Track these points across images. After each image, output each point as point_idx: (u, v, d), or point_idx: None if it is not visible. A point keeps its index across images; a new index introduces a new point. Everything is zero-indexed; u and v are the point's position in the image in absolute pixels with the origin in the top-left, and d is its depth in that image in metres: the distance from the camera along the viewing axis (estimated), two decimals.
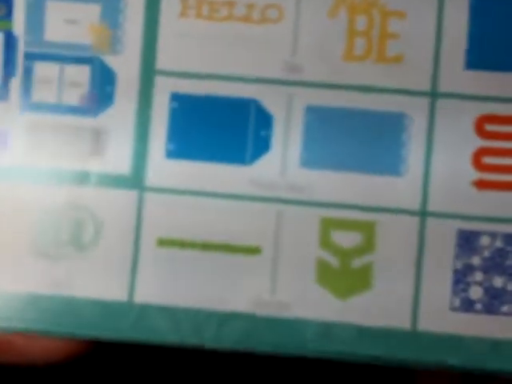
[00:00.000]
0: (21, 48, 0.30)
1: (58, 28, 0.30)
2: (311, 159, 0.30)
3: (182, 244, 0.30)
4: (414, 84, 0.30)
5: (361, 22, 0.30)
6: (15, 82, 0.30)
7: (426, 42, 0.29)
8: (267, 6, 0.30)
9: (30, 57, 0.30)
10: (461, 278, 0.29)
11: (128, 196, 0.30)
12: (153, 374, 0.39)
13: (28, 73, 0.30)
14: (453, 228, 0.29)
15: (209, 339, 0.30)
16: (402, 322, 0.29)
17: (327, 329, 0.30)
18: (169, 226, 0.30)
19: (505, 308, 0.29)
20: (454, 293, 0.29)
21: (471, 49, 0.29)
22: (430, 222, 0.30)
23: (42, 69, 0.30)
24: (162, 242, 0.30)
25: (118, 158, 0.30)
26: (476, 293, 0.29)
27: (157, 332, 0.30)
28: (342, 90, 0.30)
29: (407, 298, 0.29)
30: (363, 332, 0.29)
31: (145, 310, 0.30)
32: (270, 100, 0.30)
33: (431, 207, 0.30)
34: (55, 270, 0.30)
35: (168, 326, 0.30)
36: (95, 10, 0.30)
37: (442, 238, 0.30)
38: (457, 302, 0.29)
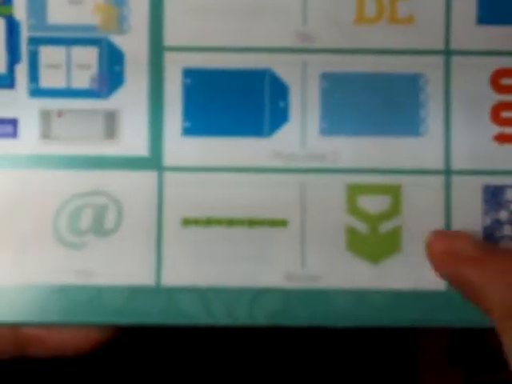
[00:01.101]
0: (24, 33, 0.29)
1: (62, 9, 0.29)
2: (330, 127, 0.29)
3: (208, 222, 0.29)
4: (427, 43, 0.29)
5: None
6: (21, 69, 0.29)
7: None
8: None
9: (35, 41, 0.29)
10: (491, 234, 0.29)
11: (147, 177, 0.29)
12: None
13: (33, 58, 0.29)
14: (478, 184, 0.29)
15: (241, 318, 0.29)
16: (435, 283, 0.29)
17: (361, 296, 0.29)
18: (192, 205, 0.29)
19: None
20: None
21: (482, 3, 0.29)
22: (455, 181, 0.29)
23: (47, 53, 0.29)
24: (187, 222, 0.29)
25: (133, 139, 0.29)
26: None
27: (187, 315, 0.29)
28: (355, 55, 0.29)
29: None
30: (397, 296, 0.29)
31: (173, 292, 0.29)
32: (285, 70, 0.29)
33: (455, 165, 0.29)
34: (79, 258, 0.29)
35: (198, 307, 0.29)
36: None
37: (469, 195, 0.29)
38: None
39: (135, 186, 0.29)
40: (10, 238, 0.29)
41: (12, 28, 0.29)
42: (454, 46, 0.29)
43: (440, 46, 0.29)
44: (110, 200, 0.29)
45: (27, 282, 0.29)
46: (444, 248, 0.28)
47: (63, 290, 0.29)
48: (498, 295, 0.26)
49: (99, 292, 0.29)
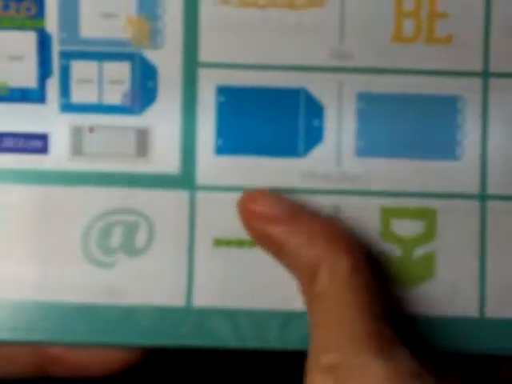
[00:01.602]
0: (55, 47, 0.28)
1: (94, 23, 0.28)
2: (366, 148, 0.29)
3: (239, 243, 0.29)
4: (465, 64, 0.29)
5: (409, 2, 0.29)
6: (52, 83, 0.28)
7: (476, 19, 0.29)
8: None
9: (66, 56, 0.28)
10: None
11: (179, 196, 0.29)
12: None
13: (65, 73, 0.28)
14: None
15: (272, 341, 0.29)
16: (469, 309, 0.29)
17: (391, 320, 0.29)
18: (224, 226, 0.29)
19: None
20: None
21: None
22: (491, 205, 0.29)
23: (79, 68, 0.28)
24: (218, 242, 0.29)
25: (165, 157, 0.29)
26: None
27: (217, 337, 0.28)
28: (392, 75, 0.29)
29: (473, 285, 0.29)
30: (430, 322, 0.29)
31: (204, 314, 0.29)
32: (320, 89, 0.29)
33: (490, 190, 0.29)
34: (108, 277, 0.28)
35: (228, 329, 0.28)
36: (132, 2, 0.28)
37: (504, 220, 0.29)
38: None
39: (167, 204, 0.29)
40: (38, 254, 0.28)
41: (43, 41, 0.28)
42: (492, 67, 0.29)
43: (478, 67, 0.29)
44: (141, 218, 0.29)
45: (54, 299, 0.28)
46: (254, 208, 0.27)
47: (91, 309, 0.28)
48: (303, 256, 0.26)
49: (128, 312, 0.28)
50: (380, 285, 0.26)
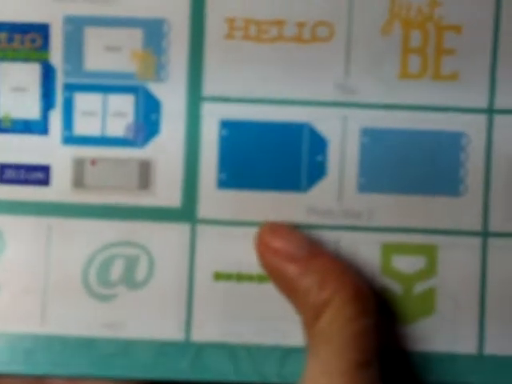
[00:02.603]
0: (60, 79, 0.28)
1: (99, 56, 0.28)
2: (368, 183, 0.29)
3: (239, 277, 0.29)
4: (470, 101, 0.29)
5: (415, 38, 0.29)
6: (55, 115, 0.28)
7: (483, 56, 0.29)
8: (318, 23, 0.28)
9: (70, 88, 0.28)
10: None
11: (180, 229, 0.29)
12: None
13: (68, 105, 0.28)
14: None
15: (271, 376, 0.29)
16: (468, 345, 0.29)
17: (392, 357, 0.29)
18: (224, 260, 0.29)
19: None
20: None
21: None
22: (492, 242, 0.29)
23: (83, 100, 0.28)
24: (218, 277, 0.29)
25: (167, 190, 0.29)
26: None
27: (216, 371, 0.29)
28: (397, 110, 0.29)
29: (472, 322, 0.29)
30: (428, 358, 0.29)
31: (203, 348, 0.29)
32: (324, 123, 0.29)
33: (492, 227, 0.29)
34: (108, 310, 0.28)
35: (227, 364, 0.29)
36: (137, 35, 0.28)
37: (506, 257, 0.29)
38: None
39: (168, 237, 0.29)
40: (38, 287, 0.28)
41: (48, 73, 0.28)
42: (497, 104, 0.29)
43: (484, 104, 0.29)
44: (142, 251, 0.29)
45: (54, 332, 0.28)
46: (272, 241, 0.27)
47: (91, 342, 0.28)
48: (311, 297, 0.26)
49: (128, 345, 0.28)
50: (380, 330, 0.26)
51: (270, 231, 0.28)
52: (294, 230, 0.28)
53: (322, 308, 0.26)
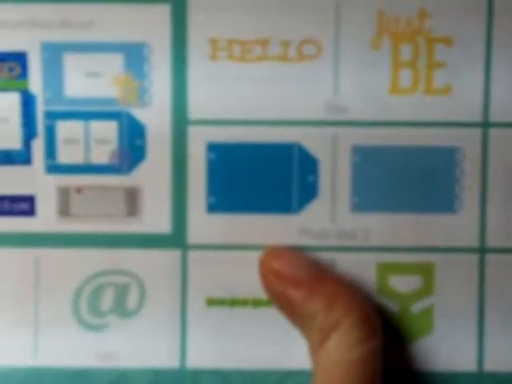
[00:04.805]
0: (40, 107, 0.27)
1: (79, 82, 0.27)
2: (362, 202, 0.28)
3: (232, 302, 0.28)
4: (464, 115, 0.28)
5: (406, 52, 0.28)
6: (37, 144, 0.28)
7: (476, 68, 0.28)
8: (304, 41, 0.27)
9: (51, 116, 0.27)
10: None
11: (171, 256, 0.28)
12: None
13: (50, 133, 0.28)
14: None
15: None
16: (468, 363, 0.28)
17: (391, 377, 0.28)
18: (217, 285, 0.28)
19: None
20: None
21: None
22: (490, 258, 0.28)
23: (65, 128, 0.28)
24: (211, 302, 0.28)
25: (156, 216, 0.28)
26: None
27: None
28: (388, 127, 0.28)
29: (471, 339, 0.28)
30: (428, 376, 0.28)
31: (198, 375, 0.28)
32: (314, 143, 0.28)
33: (489, 243, 0.28)
34: (100, 340, 0.28)
35: None
36: (118, 60, 0.27)
37: (503, 273, 0.28)
38: None
39: (158, 264, 0.28)
40: (29, 319, 0.28)
41: (28, 102, 0.27)
42: (492, 117, 0.28)
43: (478, 117, 0.28)
44: (132, 279, 0.28)
45: (46, 364, 0.28)
46: (277, 266, 0.27)
47: (84, 374, 0.28)
48: (318, 321, 0.26)
49: (122, 375, 0.28)
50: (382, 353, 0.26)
51: (273, 255, 0.27)
52: (297, 253, 0.27)
53: (330, 331, 0.25)
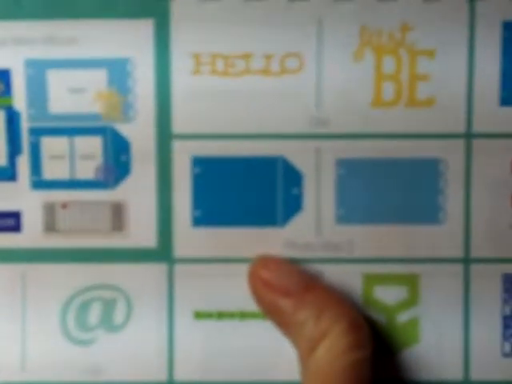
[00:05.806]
0: (24, 124, 0.28)
1: (63, 98, 0.27)
2: (346, 215, 0.28)
3: (220, 315, 0.28)
4: (447, 126, 0.28)
5: (388, 64, 0.28)
6: (22, 160, 0.28)
7: (458, 80, 0.28)
8: (286, 54, 0.28)
9: (36, 132, 0.28)
10: (510, 323, 0.28)
11: (157, 270, 0.28)
12: None
13: (35, 149, 0.28)
14: (497, 273, 0.28)
15: None
16: (454, 372, 0.28)
17: None
18: (203, 298, 0.28)
19: None
20: (505, 338, 0.28)
21: (505, 84, 0.28)
22: (474, 269, 0.28)
23: (49, 144, 0.28)
24: (199, 315, 0.28)
25: (141, 231, 0.28)
26: None
27: None
28: (372, 140, 0.28)
29: (457, 348, 0.28)
30: None
31: None
32: (298, 157, 0.28)
33: (474, 253, 0.28)
34: (88, 355, 0.28)
35: None
36: (101, 76, 0.27)
37: (488, 283, 0.28)
38: (508, 348, 0.29)
39: (144, 278, 0.28)
40: (16, 334, 0.28)
41: (12, 119, 0.27)
42: (475, 128, 0.28)
43: (461, 128, 0.28)
44: (119, 293, 0.28)
45: (34, 379, 0.28)
46: (266, 276, 0.27)
47: None
48: (308, 330, 0.26)
49: None
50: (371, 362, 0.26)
51: (262, 265, 0.27)
52: (286, 262, 0.27)
53: (319, 340, 0.26)
